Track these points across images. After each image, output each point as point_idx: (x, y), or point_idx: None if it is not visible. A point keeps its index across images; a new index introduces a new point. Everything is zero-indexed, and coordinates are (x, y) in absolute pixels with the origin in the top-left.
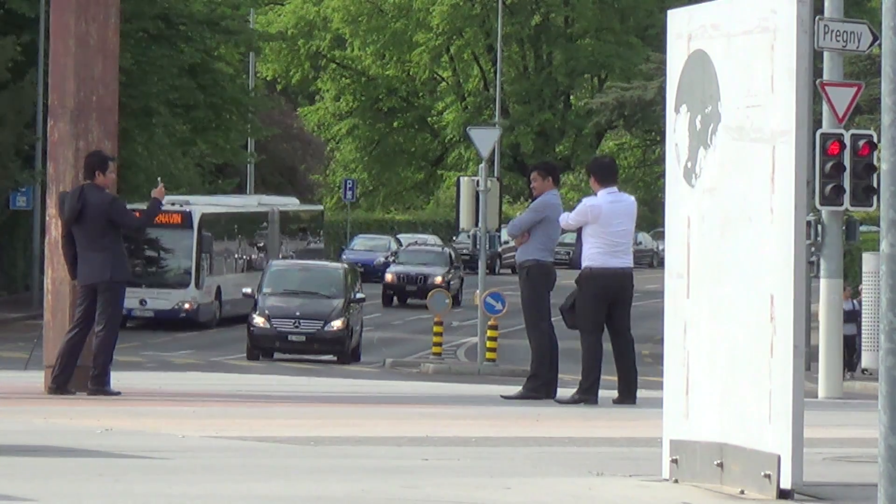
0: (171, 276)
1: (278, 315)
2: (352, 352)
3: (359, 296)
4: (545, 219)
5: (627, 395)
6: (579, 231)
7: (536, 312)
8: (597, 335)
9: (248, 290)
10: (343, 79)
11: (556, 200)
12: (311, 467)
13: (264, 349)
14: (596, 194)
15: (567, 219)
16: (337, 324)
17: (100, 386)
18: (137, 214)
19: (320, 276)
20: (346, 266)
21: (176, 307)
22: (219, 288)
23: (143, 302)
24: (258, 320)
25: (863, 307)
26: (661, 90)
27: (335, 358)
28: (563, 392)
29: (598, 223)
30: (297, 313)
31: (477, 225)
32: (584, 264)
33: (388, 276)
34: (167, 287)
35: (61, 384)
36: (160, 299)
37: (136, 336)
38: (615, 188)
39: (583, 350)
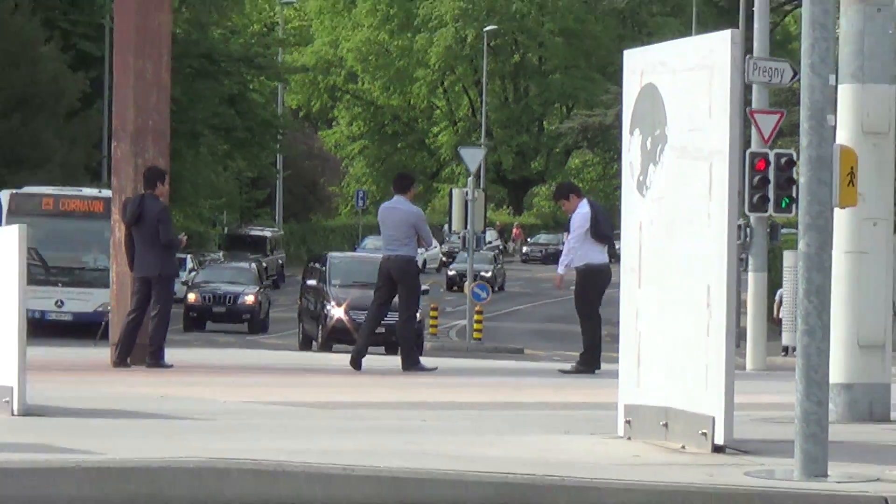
0: (91, 274)
1: (358, 307)
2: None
3: (424, 288)
4: None
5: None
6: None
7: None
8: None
9: (314, 283)
10: (355, 108)
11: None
12: (329, 427)
13: (343, 341)
14: (576, 207)
15: (573, 236)
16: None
17: (156, 360)
18: (183, 238)
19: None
20: None
21: (98, 310)
22: None
23: (59, 303)
24: (335, 312)
25: (784, 295)
26: (619, 117)
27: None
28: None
29: (591, 226)
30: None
31: (466, 227)
32: (585, 262)
33: (192, 297)
34: (87, 286)
35: (122, 358)
36: (79, 300)
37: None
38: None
39: (587, 331)
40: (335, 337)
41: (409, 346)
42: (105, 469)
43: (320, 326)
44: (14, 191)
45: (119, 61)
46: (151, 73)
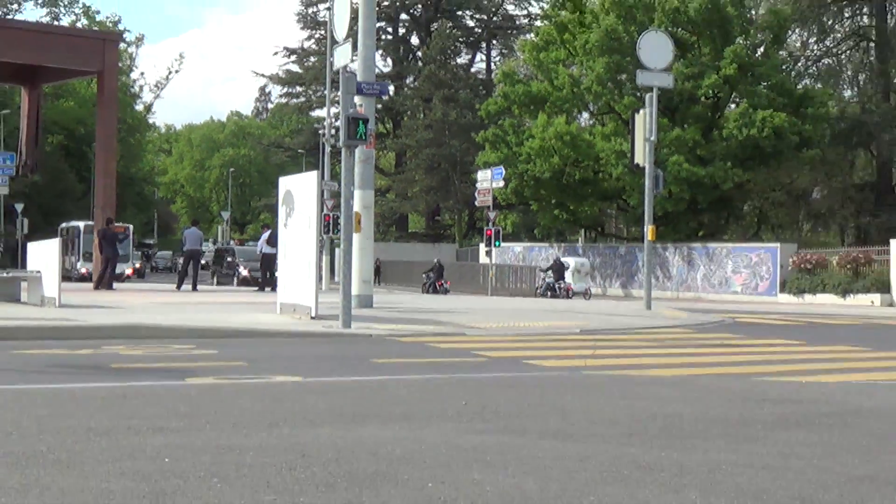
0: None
1: (252, 269)
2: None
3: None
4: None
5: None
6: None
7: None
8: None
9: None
10: (184, 198)
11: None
12: (179, 310)
13: (247, 285)
14: (264, 234)
15: (261, 243)
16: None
17: (109, 287)
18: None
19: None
20: None
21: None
22: None
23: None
24: (244, 272)
25: (336, 262)
26: (278, 200)
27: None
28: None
29: (268, 239)
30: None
31: (221, 241)
32: (264, 251)
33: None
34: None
35: (97, 286)
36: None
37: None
38: (267, 233)
39: (262, 276)
40: (244, 284)
41: (193, 281)
42: (83, 327)
43: (235, 278)
44: (66, 224)
45: (99, 180)
46: (109, 185)
